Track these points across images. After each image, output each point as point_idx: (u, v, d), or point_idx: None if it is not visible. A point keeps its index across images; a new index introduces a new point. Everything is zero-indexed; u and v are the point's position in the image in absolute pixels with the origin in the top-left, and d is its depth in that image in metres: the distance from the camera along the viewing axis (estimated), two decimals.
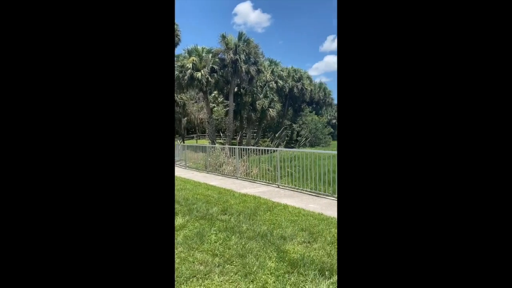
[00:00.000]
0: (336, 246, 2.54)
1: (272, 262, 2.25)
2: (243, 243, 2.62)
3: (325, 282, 1.95)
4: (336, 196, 4.47)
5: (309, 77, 29.49)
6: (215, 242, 2.67)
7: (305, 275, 2.04)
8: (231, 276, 2.05)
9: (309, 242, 2.65)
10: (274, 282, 1.96)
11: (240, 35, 19.14)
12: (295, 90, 27.03)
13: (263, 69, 21.32)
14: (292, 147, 23.06)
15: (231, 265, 2.22)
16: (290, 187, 5.32)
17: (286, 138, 26.30)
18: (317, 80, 33.95)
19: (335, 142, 31.12)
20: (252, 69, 18.85)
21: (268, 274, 2.07)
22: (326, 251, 2.45)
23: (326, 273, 2.06)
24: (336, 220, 3.33)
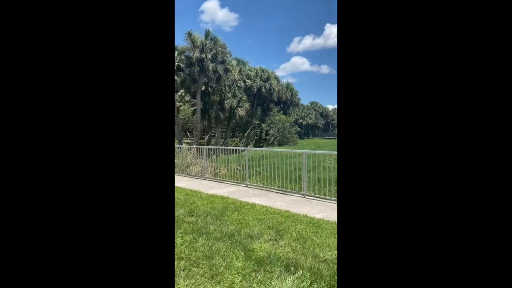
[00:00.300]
0: (301, 242, 2.63)
1: (239, 261, 2.26)
2: (210, 244, 2.59)
3: (290, 278, 2.00)
4: (302, 193, 4.62)
5: (276, 78, 30.06)
6: (181, 245, 2.60)
7: (271, 272, 2.08)
8: (197, 279, 2.01)
9: (275, 240, 2.70)
10: (240, 282, 1.97)
11: (207, 33, 18.84)
12: (263, 90, 27.37)
13: (231, 68, 21.22)
14: (261, 146, 23.33)
15: (198, 267, 2.18)
16: (259, 186, 5.37)
17: (255, 137, 26.52)
18: (284, 81, 34.74)
19: (302, 141, 32.18)
20: (220, 68, 18.68)
21: (235, 274, 2.07)
22: (292, 247, 2.52)
23: (292, 268, 2.12)
24: (303, 217, 3.44)
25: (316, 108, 50.10)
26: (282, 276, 2.03)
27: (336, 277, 1.98)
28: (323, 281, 1.95)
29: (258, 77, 27.17)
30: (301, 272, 2.07)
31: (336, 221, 3.28)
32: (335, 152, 5.20)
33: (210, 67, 18.01)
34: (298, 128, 33.65)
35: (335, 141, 32.22)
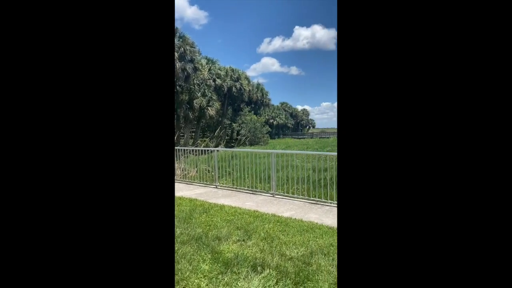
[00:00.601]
0: (269, 241, 2.66)
1: (206, 264, 2.22)
2: (176, 248, 2.51)
3: (257, 277, 2.02)
4: (271, 192, 4.69)
5: (247, 78, 30.12)
6: None
7: (238, 273, 2.08)
8: None
9: (243, 240, 2.71)
10: (207, 285, 1.94)
11: (175, 31, 18.27)
12: (234, 89, 27.27)
13: (200, 67, 20.82)
14: (232, 146, 23.23)
15: None
16: (229, 187, 5.34)
17: (227, 137, 26.34)
18: (255, 81, 34.98)
19: (273, 141, 32.66)
20: (189, 66, 18.23)
21: (201, 277, 2.04)
22: (260, 247, 2.54)
23: (258, 268, 2.14)
24: (272, 216, 3.49)
25: (286, 109, 51.18)
26: (249, 276, 2.04)
27: (300, 274, 2.05)
28: (288, 278, 2.00)
29: (229, 77, 27.01)
30: (267, 271, 2.10)
31: (302, 219, 3.38)
32: (304, 152, 5.37)
33: (178, 66, 17.49)
34: (269, 128, 34.09)
35: (304, 141, 33.21)
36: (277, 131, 44.84)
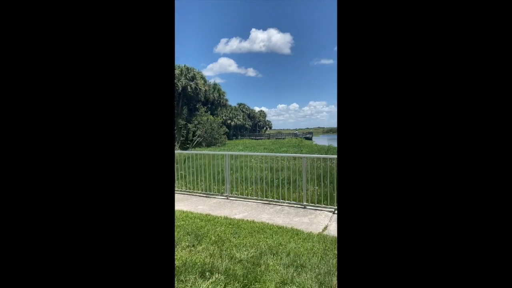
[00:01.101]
0: (219, 245, 2.64)
1: None
2: None
3: (204, 284, 1.98)
4: (225, 194, 4.66)
5: (203, 77, 29.51)
6: None
7: (186, 280, 2.01)
8: None
9: (193, 246, 2.63)
10: None
11: None
12: (189, 89, 26.50)
13: None
14: (188, 148, 22.52)
15: None
16: (181, 191, 5.15)
17: (182, 139, 25.43)
18: (211, 81, 34.48)
19: (231, 142, 32.59)
20: None
21: None
22: (210, 251, 2.50)
23: (207, 274, 2.10)
24: (224, 219, 3.46)
25: (244, 110, 51.58)
26: (197, 283, 1.99)
27: (249, 276, 2.06)
28: (237, 281, 2.00)
29: (183, 76, 26.15)
30: (216, 276, 2.07)
31: (254, 220, 3.42)
32: (258, 153, 5.45)
33: None
34: (227, 129, 33.91)
35: (261, 141, 33.84)
36: (235, 132, 44.87)
